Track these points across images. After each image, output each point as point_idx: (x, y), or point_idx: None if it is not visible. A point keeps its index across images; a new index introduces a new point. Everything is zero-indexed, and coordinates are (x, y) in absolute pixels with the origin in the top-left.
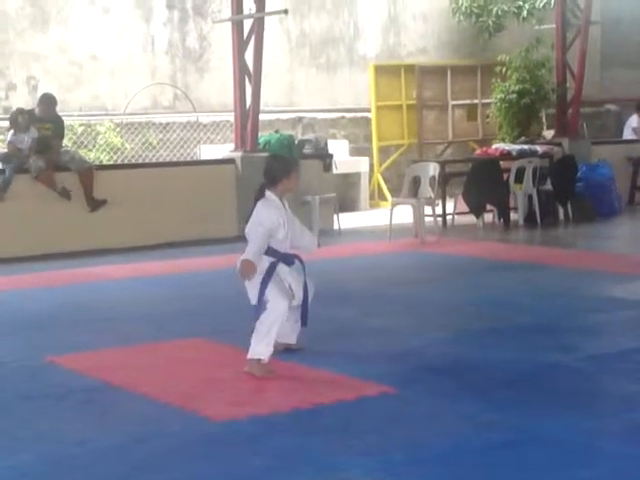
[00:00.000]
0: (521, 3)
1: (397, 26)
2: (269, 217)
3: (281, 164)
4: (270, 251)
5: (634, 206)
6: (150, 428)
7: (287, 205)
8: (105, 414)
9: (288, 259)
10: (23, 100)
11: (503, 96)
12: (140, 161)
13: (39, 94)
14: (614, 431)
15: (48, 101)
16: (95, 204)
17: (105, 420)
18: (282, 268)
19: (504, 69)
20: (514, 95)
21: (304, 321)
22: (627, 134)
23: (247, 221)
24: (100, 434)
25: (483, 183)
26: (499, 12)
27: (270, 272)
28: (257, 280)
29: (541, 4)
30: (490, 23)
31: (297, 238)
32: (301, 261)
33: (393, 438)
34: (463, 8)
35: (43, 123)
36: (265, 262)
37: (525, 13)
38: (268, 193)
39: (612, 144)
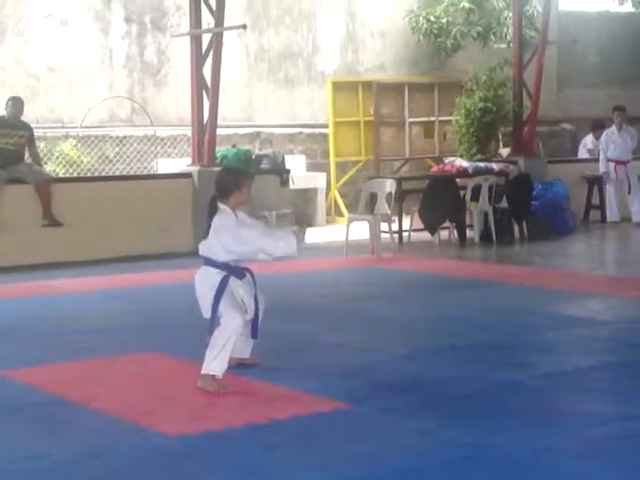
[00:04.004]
0: (480, 28)
1: (355, 43)
2: (236, 222)
3: (232, 177)
4: (221, 264)
5: (589, 224)
6: (104, 443)
7: (242, 216)
8: (59, 429)
9: (239, 272)
10: None
11: (466, 113)
12: (97, 174)
13: None
14: (569, 449)
15: (20, 104)
16: (52, 220)
17: (58, 435)
18: (234, 281)
19: (470, 84)
20: (477, 113)
21: (254, 334)
22: (582, 153)
23: (205, 236)
24: (53, 449)
25: (439, 200)
26: (458, 35)
27: (222, 286)
28: (210, 294)
29: (508, 36)
30: (448, 44)
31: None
32: (252, 274)
33: (348, 454)
34: (423, 29)
35: (17, 130)
36: (217, 276)
37: (491, 43)
38: (222, 206)
39: (567, 163)
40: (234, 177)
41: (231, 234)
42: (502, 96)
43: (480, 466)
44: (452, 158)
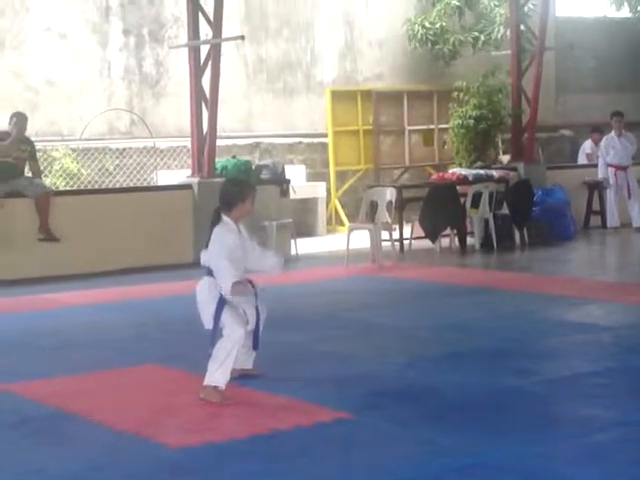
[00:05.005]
0: (477, 34)
1: (353, 52)
2: (228, 242)
3: (237, 188)
4: None
5: (589, 230)
6: (106, 456)
7: (243, 230)
8: (60, 442)
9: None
10: None
11: (461, 122)
12: (97, 187)
13: None
14: (569, 456)
15: (24, 121)
16: (48, 235)
17: (60, 448)
18: None
19: (462, 94)
20: (471, 121)
21: (255, 345)
22: (581, 159)
23: (206, 246)
24: (56, 462)
25: (440, 208)
26: (455, 42)
27: (224, 297)
28: (211, 305)
29: (499, 35)
30: (446, 51)
31: (258, 262)
32: (253, 285)
33: (349, 464)
34: (419, 35)
35: (19, 144)
36: (218, 287)
37: (481, 44)
38: (224, 218)
39: (567, 169)
40: (239, 188)
41: (213, 249)
42: (497, 103)
43: (480, 474)
44: (455, 169)
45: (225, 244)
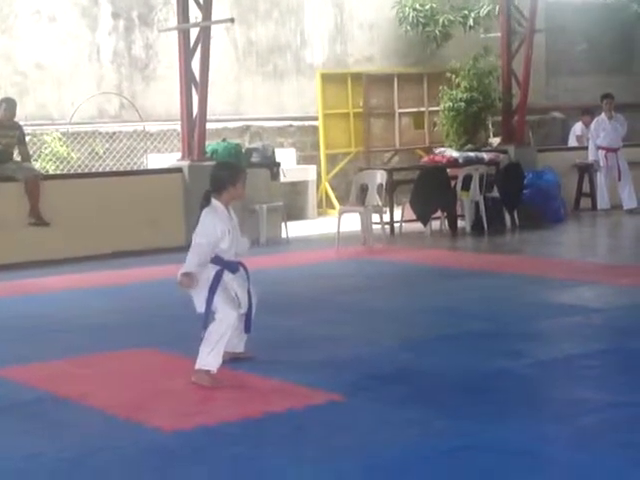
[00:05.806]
0: (466, 12)
1: (344, 34)
2: (214, 227)
3: (227, 171)
4: (215, 259)
5: (579, 212)
6: (98, 440)
7: (233, 213)
8: (53, 427)
9: (232, 266)
10: None
11: (451, 104)
12: (87, 171)
13: None
14: (562, 437)
15: (13, 106)
16: (38, 219)
17: (53, 433)
18: (227, 275)
19: (452, 77)
20: (462, 103)
21: (248, 328)
22: (572, 141)
23: (195, 229)
24: (48, 447)
25: (430, 190)
26: (445, 22)
27: (216, 281)
28: (203, 288)
29: (484, 12)
30: (437, 33)
31: (238, 244)
32: (245, 268)
33: (342, 446)
34: (410, 18)
35: (6, 130)
36: (211, 270)
37: (471, 22)
38: (214, 201)
39: (558, 151)
40: (229, 172)
41: (197, 240)
42: (488, 85)
43: (473, 456)
44: (442, 149)
45: (206, 230)
